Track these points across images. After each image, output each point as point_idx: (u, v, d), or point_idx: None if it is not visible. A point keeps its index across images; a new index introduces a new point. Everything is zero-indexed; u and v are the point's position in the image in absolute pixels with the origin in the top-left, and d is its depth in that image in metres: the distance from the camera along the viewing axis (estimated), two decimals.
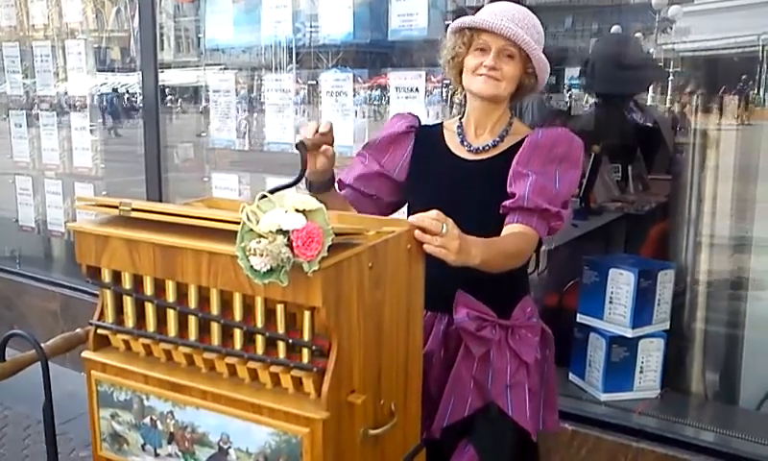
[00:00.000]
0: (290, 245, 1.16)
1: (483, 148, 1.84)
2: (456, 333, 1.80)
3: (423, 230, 1.45)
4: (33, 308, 4.45)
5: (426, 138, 1.93)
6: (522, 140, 1.79)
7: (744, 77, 3.42)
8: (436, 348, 1.83)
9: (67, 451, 3.11)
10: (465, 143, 1.86)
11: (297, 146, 1.63)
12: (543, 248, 3.34)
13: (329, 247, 1.18)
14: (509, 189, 1.74)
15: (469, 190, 1.81)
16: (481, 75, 1.76)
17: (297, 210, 1.18)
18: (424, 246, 1.46)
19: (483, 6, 1.83)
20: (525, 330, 1.84)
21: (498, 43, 1.73)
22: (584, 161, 1.95)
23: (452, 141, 1.89)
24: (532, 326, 1.86)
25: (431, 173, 1.89)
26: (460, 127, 1.89)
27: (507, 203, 1.73)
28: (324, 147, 1.70)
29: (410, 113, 2.00)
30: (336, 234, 1.21)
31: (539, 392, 1.88)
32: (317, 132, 1.68)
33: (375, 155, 1.94)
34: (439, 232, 1.44)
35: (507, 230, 1.72)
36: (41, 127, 4.54)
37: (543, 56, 1.78)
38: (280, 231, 1.16)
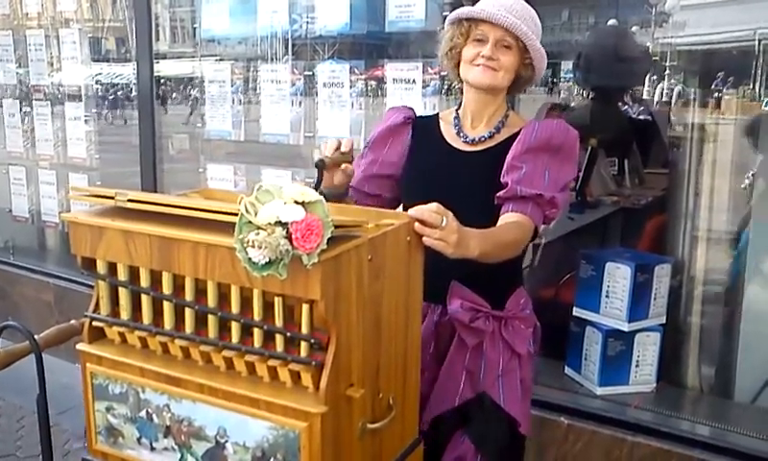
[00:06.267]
0: (289, 237, 1.14)
1: (479, 139, 1.84)
2: (449, 324, 1.81)
3: (423, 222, 1.44)
4: (27, 299, 4.43)
5: (423, 129, 1.93)
6: (518, 132, 1.79)
7: (740, 71, 3.41)
8: (428, 339, 1.82)
9: (61, 443, 3.09)
10: (461, 134, 1.86)
11: (315, 164, 1.63)
12: (539, 241, 3.36)
13: (328, 239, 1.17)
14: (502, 179, 1.74)
15: (465, 181, 1.80)
16: (479, 65, 1.76)
17: (296, 202, 1.16)
18: (423, 239, 1.45)
19: None
20: (518, 322, 1.84)
21: (496, 34, 1.73)
22: (580, 154, 1.95)
23: (448, 132, 1.89)
24: (525, 317, 1.87)
25: (427, 163, 1.88)
26: (456, 118, 1.89)
27: (501, 193, 1.73)
28: (343, 165, 1.72)
29: (405, 106, 2.00)
30: (336, 227, 1.19)
31: (530, 384, 1.89)
32: (338, 149, 1.69)
33: (375, 151, 1.94)
34: (438, 225, 1.43)
35: (502, 219, 1.72)
36: (35, 116, 4.51)
37: (541, 47, 1.78)
38: (279, 223, 1.14)
